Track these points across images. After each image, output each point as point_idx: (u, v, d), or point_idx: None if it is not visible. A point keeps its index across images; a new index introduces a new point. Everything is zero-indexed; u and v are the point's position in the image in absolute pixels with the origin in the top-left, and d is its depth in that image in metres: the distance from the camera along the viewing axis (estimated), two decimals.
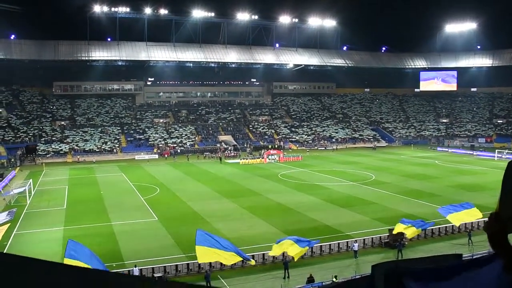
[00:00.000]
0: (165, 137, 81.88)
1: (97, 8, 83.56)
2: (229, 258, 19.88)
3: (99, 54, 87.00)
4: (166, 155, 74.60)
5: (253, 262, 22.31)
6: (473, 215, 26.30)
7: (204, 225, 29.81)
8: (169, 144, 79.57)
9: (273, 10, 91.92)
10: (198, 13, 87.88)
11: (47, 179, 54.05)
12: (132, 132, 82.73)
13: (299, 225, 30.71)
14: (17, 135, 75.56)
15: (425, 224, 25.85)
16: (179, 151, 77.01)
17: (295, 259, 22.58)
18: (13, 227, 30.66)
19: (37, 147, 73.18)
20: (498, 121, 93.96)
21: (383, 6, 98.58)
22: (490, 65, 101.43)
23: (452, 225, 28.54)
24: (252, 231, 29.89)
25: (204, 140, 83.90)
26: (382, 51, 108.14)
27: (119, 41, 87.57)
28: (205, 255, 19.61)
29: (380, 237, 27.63)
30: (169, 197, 41.73)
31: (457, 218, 26.24)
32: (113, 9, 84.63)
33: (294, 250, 21.87)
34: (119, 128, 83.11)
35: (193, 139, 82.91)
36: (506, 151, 71.11)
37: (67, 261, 16.07)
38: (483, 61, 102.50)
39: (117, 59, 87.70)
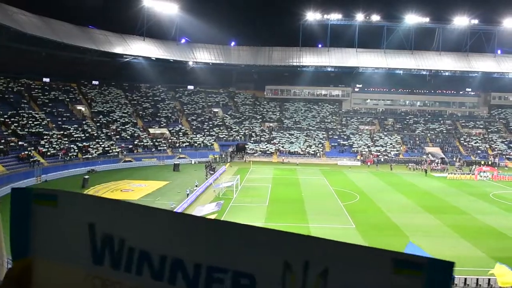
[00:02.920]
0: (369, 144, 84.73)
1: (310, 16, 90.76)
2: None
3: (309, 60, 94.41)
4: (368, 163, 76.95)
5: None
6: None
7: (402, 238, 30.41)
8: (372, 152, 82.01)
9: (497, 12, 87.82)
10: (412, 19, 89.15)
11: (253, 176, 59.19)
12: (336, 137, 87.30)
13: (510, 253, 28.41)
14: (230, 134, 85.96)
15: None
16: (382, 159, 78.95)
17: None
18: (219, 217, 33.47)
19: (247, 146, 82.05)
20: None
21: None
22: None
23: None
24: (454, 252, 28.72)
25: (410, 150, 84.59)
26: None
27: (329, 48, 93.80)
28: None
29: None
30: (368, 206, 42.59)
31: None
32: (325, 16, 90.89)
33: (508, 279, 20.23)
34: (324, 132, 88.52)
35: (398, 149, 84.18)
36: None
37: None
38: None
39: (326, 65, 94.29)
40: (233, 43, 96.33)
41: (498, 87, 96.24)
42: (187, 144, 79.41)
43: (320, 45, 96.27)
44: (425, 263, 1.35)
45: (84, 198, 1.62)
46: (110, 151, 69.28)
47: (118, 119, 79.18)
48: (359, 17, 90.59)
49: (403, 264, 1.35)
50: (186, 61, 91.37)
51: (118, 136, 74.95)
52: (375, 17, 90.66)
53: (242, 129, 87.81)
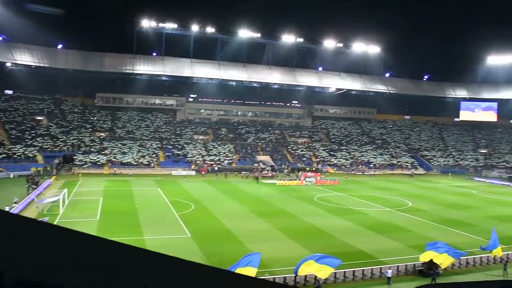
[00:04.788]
0: (203, 154, 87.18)
1: (145, 23, 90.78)
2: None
3: (144, 68, 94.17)
4: (203, 172, 79.11)
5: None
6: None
7: (237, 244, 32.66)
8: (206, 161, 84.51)
9: (318, 34, 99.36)
10: (244, 33, 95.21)
11: (82, 189, 56.98)
12: (170, 147, 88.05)
13: (333, 249, 31.61)
14: (56, 144, 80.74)
15: (457, 252, 28.09)
16: (216, 168, 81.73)
17: (323, 277, 24.91)
18: None
19: (75, 157, 77.89)
20: None
21: (426, 35, 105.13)
22: None
23: (487, 256, 30.78)
24: (285, 253, 31.34)
25: (242, 159, 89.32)
26: (424, 79, 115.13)
27: (164, 56, 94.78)
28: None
29: (414, 264, 28.91)
30: (203, 214, 43.57)
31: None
32: (160, 24, 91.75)
33: (314, 268, 24.28)
34: (158, 142, 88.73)
35: (231, 158, 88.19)
36: None
37: None
38: None
39: (161, 74, 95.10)
40: (60, 46, 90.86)
41: (320, 100, 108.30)
42: (4, 156, 72.33)
43: (154, 54, 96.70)
44: None
45: None
46: None
47: None
48: (195, 28, 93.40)
49: None
50: (3, 62, 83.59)
51: None
52: (210, 29, 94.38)
53: (70, 139, 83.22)
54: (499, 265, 30.44)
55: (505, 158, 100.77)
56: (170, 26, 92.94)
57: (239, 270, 22.20)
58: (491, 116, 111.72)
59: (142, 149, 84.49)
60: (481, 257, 31.17)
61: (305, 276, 25.80)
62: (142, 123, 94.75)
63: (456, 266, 29.96)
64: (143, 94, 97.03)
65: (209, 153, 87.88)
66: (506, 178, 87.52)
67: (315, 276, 25.31)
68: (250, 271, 22.50)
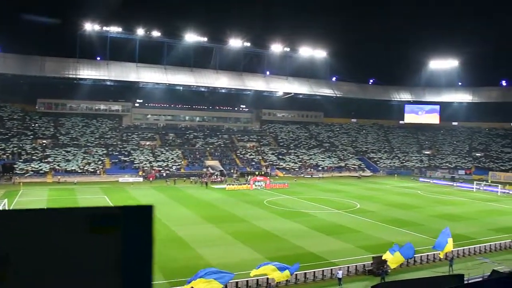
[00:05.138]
0: (150, 160, 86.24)
1: (89, 27, 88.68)
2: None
3: (88, 72, 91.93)
4: (151, 178, 78.16)
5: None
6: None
7: (188, 251, 32.86)
8: (154, 168, 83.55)
9: (265, 38, 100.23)
10: (191, 37, 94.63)
11: (24, 199, 55.44)
12: (117, 153, 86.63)
13: (284, 252, 32.54)
14: None
15: (410, 251, 29.27)
16: (164, 174, 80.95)
17: (276, 281, 25.68)
18: None
19: (15, 166, 75.08)
20: (477, 155, 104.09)
21: (371, 40, 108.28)
22: (470, 101, 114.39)
23: (434, 254, 32.17)
24: (236, 257, 31.58)
25: (191, 164, 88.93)
26: (370, 83, 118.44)
27: (109, 61, 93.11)
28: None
29: (364, 264, 29.84)
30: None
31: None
32: (104, 28, 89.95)
33: (276, 275, 24.69)
34: (104, 149, 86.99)
35: (180, 163, 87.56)
36: (484, 183, 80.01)
37: None
38: (463, 97, 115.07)
39: (105, 78, 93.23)
40: None
41: (267, 104, 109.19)
42: None
43: (99, 58, 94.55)
44: (120, 214, 1.41)
45: None
46: None
47: None
48: (140, 31, 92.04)
49: (99, 220, 1.37)
50: None
51: None
52: (156, 33, 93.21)
53: (10, 147, 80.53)
54: (445, 262, 31.45)
55: (447, 159, 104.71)
56: (114, 29, 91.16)
57: (202, 281, 22.18)
58: (434, 119, 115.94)
59: (87, 156, 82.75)
60: (427, 255, 32.37)
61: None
62: (87, 129, 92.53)
63: (404, 265, 30.90)
64: (88, 99, 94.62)
65: (157, 159, 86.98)
66: (449, 178, 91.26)
67: (267, 279, 25.85)
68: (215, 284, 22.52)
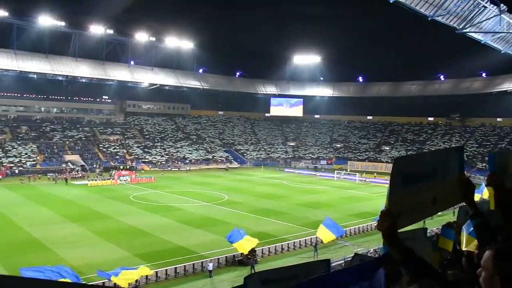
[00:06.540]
0: (0, 155, 78.95)
1: None
2: None
3: None
4: (0, 176, 72.31)
5: None
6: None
7: (47, 254, 30.61)
8: (4, 164, 77.26)
9: (129, 26, 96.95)
10: (46, 20, 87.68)
11: None
12: None
13: (153, 247, 32.62)
14: None
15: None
16: (17, 171, 75.57)
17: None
18: None
19: None
20: (337, 145, 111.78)
21: (237, 33, 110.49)
22: (331, 95, 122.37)
23: (299, 240, 34.73)
24: (103, 257, 30.40)
25: (48, 159, 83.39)
26: (237, 75, 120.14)
27: None
28: None
29: (233, 255, 30.74)
30: (3, 223, 40.10)
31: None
32: None
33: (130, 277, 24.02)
34: None
35: (35, 159, 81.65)
36: (344, 172, 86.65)
37: None
38: (325, 91, 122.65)
39: None
40: None
41: (132, 95, 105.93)
42: None
43: None
44: None
45: None
46: None
47: None
48: None
49: None
50: None
51: None
52: (3, 13, 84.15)
53: None
54: (310, 248, 33.61)
55: (310, 150, 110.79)
56: None
57: None
58: (298, 112, 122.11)
59: None
60: (294, 242, 34.59)
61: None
62: None
63: (272, 252, 32.83)
64: None
65: (7, 155, 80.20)
66: (312, 168, 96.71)
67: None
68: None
